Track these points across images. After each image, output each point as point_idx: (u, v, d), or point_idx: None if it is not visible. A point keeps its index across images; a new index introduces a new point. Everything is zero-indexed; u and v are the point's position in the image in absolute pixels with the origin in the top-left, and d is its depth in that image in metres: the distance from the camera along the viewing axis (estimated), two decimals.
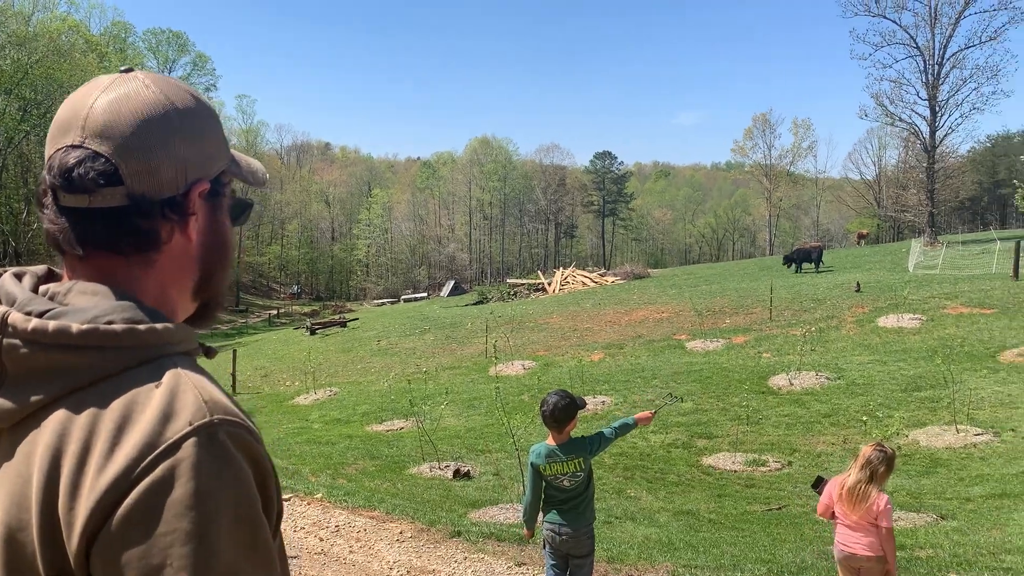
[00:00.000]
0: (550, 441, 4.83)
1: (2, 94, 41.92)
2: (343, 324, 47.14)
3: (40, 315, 0.96)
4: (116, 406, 0.91)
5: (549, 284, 54.33)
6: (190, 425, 0.89)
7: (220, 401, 0.95)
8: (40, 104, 43.93)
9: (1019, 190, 27.57)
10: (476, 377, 25.32)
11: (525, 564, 6.57)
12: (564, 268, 60.14)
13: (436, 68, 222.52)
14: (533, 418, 11.15)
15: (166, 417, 0.89)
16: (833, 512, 5.02)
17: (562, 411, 4.75)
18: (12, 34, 41.49)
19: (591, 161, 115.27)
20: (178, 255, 1.09)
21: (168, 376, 0.95)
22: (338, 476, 12.97)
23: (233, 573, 0.86)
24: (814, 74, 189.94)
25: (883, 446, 4.96)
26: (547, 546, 4.89)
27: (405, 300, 74.00)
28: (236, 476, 0.89)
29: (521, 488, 10.28)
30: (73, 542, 0.86)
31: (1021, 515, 10.47)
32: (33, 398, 0.93)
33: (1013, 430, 15.08)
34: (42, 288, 1.03)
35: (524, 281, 59.75)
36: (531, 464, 4.83)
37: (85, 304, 0.98)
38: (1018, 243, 32.65)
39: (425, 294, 79.59)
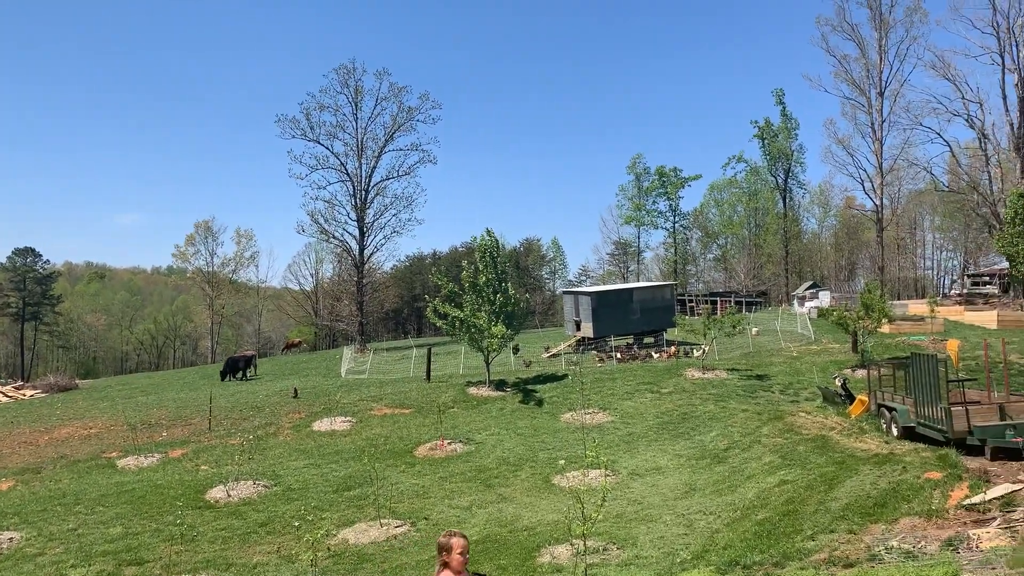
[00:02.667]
0: None
1: None
2: None
3: None
4: None
5: None
6: None
7: None
8: None
9: (429, 304, 32.11)
10: None
11: None
12: None
13: None
14: None
15: None
16: None
17: None
18: None
19: (9, 258, 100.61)
20: None
21: None
22: None
23: None
24: (257, 186, 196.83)
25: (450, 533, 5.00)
26: None
27: None
28: None
29: None
30: None
31: None
32: None
33: (427, 518, 17.04)
34: None
35: None
36: None
37: None
38: (429, 349, 37.82)
39: None
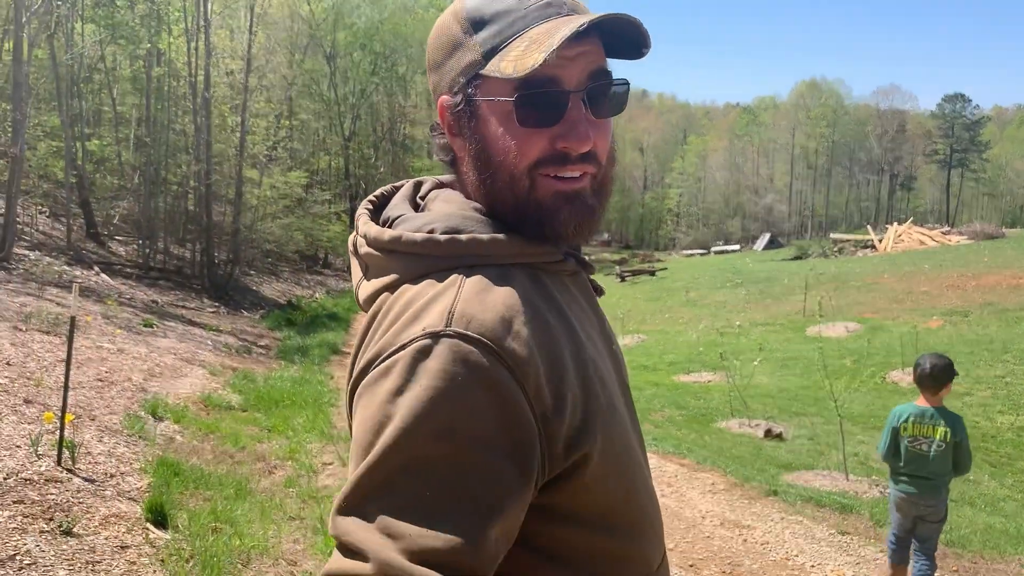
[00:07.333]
0: (919, 402, 4.62)
1: (357, 49, 46.74)
2: (652, 273, 47.08)
3: (391, 222, 1.14)
4: (403, 303, 1.02)
5: (880, 241, 49.90)
6: (423, 331, 0.96)
7: (470, 314, 0.97)
8: (388, 58, 48.56)
9: None
10: (791, 336, 23.97)
11: (848, 534, 6.03)
12: (899, 224, 54.88)
13: (756, 8, 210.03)
14: (859, 385, 10.20)
15: (413, 319, 0.98)
16: None
17: (941, 372, 4.54)
18: None
19: (938, 105, 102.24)
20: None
21: (446, 283, 1.02)
22: (645, 421, 12.97)
23: (389, 484, 0.88)
24: None
25: None
26: (896, 510, 4.68)
27: (716, 252, 72.11)
28: (436, 388, 0.91)
29: (839, 456, 9.53)
30: (347, 385, 1.08)
31: None
32: (376, 286, 1.10)
33: None
34: (432, 194, 1.20)
35: (850, 237, 55.58)
36: (890, 427, 4.62)
37: (436, 210, 1.13)
38: None
39: (737, 246, 76.86)
